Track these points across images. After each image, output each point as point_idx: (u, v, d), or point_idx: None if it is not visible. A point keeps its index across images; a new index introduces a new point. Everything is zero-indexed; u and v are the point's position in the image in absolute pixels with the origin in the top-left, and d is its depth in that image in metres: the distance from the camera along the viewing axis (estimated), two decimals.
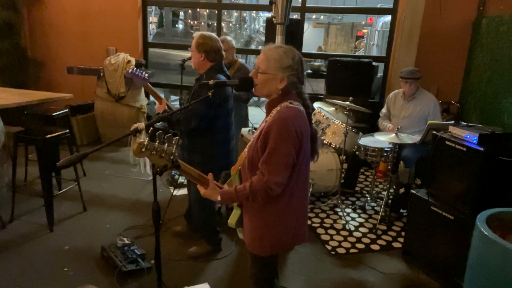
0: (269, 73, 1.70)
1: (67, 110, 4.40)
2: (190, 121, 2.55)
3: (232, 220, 1.90)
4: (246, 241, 1.87)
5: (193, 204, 2.94)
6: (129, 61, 5.39)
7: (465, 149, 2.55)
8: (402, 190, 3.56)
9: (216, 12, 6.14)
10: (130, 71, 2.66)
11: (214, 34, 2.70)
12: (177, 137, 1.57)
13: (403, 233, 3.35)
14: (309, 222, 3.54)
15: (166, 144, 1.54)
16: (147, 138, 1.50)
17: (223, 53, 2.74)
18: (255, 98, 7.95)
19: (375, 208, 3.92)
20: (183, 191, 3.83)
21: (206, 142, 2.70)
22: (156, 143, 1.51)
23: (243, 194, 1.68)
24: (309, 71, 6.68)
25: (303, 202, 1.86)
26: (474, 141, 2.51)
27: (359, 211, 3.87)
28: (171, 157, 1.53)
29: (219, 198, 1.72)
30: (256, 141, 1.71)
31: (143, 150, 1.48)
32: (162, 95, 8.32)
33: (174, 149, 1.54)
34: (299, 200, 1.81)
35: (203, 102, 2.39)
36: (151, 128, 2.01)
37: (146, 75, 2.72)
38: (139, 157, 1.51)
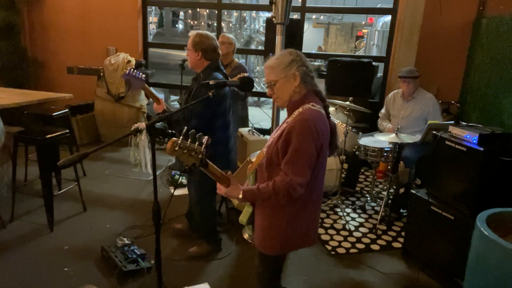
0: (280, 78, 1.73)
1: (67, 110, 4.39)
2: (190, 120, 2.55)
3: (243, 218, 1.90)
4: (256, 239, 1.86)
5: (193, 205, 2.94)
6: (129, 61, 5.39)
7: (465, 149, 2.55)
8: (402, 190, 3.55)
9: (216, 12, 6.15)
10: (127, 72, 2.65)
11: (210, 33, 2.70)
12: (207, 137, 1.57)
13: (403, 233, 3.35)
14: None
15: (197, 143, 1.55)
16: (181, 137, 1.51)
17: (220, 51, 2.73)
18: (255, 98, 7.97)
19: (375, 208, 3.91)
20: (183, 191, 3.83)
21: None
22: (188, 142, 1.52)
23: (265, 193, 1.66)
24: None
25: (317, 204, 1.86)
26: (474, 141, 2.51)
27: (359, 211, 3.87)
28: (200, 156, 1.54)
29: (241, 195, 1.70)
30: (277, 141, 1.71)
31: (176, 148, 1.50)
32: (162, 95, 8.25)
33: (203, 148, 1.55)
34: (314, 203, 1.80)
35: (203, 102, 2.39)
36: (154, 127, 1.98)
37: (143, 76, 2.71)
38: (172, 155, 1.52)
